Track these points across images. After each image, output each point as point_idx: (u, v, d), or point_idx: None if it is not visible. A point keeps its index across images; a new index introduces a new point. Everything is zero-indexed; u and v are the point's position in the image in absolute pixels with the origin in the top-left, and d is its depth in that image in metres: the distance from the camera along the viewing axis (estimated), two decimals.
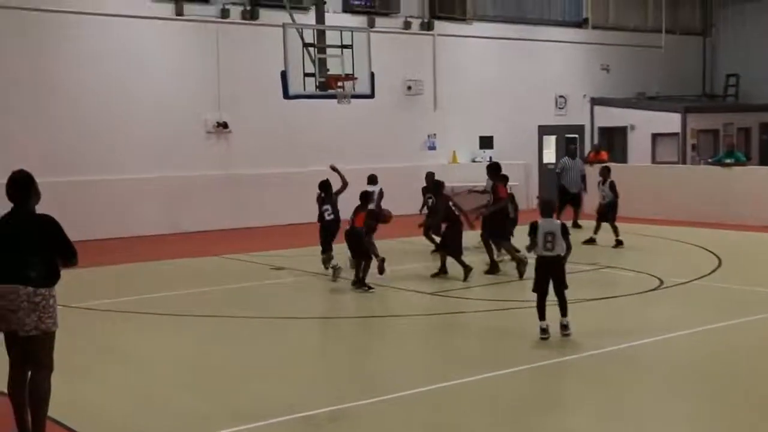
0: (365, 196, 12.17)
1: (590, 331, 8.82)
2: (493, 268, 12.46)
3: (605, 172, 15.63)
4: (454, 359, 8.16)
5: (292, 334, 9.35)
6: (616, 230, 15.11)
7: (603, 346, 8.25)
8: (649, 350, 8.24)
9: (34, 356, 5.88)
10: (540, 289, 8.57)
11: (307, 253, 14.96)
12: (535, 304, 8.61)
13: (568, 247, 8.57)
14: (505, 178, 13.46)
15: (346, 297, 11.28)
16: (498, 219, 12.66)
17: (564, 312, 8.61)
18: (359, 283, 11.38)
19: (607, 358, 7.96)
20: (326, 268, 12.41)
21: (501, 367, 7.63)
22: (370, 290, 11.22)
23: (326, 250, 12.50)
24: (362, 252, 11.51)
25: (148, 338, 9.18)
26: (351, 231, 11.61)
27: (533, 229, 8.56)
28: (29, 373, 5.91)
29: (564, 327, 8.61)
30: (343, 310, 10.74)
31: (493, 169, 13.55)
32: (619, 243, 14.97)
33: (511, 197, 13.37)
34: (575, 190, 18.33)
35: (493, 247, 12.72)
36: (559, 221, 8.70)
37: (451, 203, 12.38)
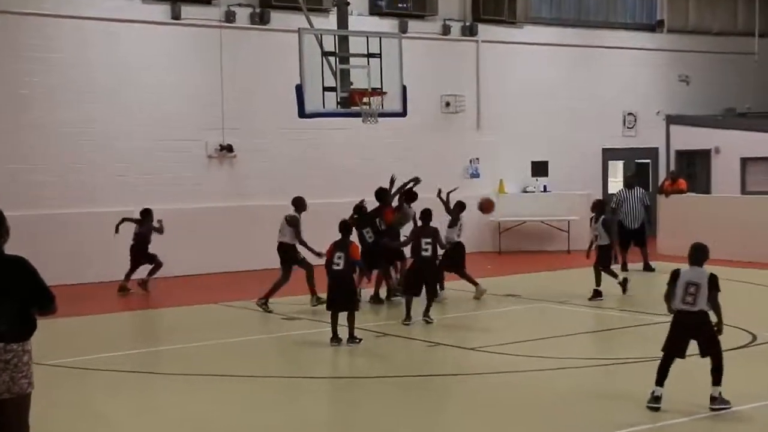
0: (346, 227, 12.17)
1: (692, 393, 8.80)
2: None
3: (599, 207, 15.42)
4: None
5: (303, 398, 9.38)
6: (616, 275, 15.04)
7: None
8: None
9: (6, 423, 5.92)
10: (669, 350, 8.40)
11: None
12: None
13: (713, 304, 8.37)
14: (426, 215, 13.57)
15: (366, 351, 11.33)
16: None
17: (716, 379, 8.32)
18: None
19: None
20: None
21: None
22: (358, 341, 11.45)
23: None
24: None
25: (134, 400, 9.25)
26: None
27: (674, 277, 8.51)
28: None
29: (713, 399, 8.33)
30: (372, 369, 10.77)
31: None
32: (597, 294, 14.60)
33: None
34: (636, 225, 18.41)
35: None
36: (707, 271, 8.51)
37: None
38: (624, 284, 15.12)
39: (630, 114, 25.24)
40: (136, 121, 18.73)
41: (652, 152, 25.69)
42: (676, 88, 25.87)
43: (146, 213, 16.72)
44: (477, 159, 22.81)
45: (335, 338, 11.58)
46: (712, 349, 8.35)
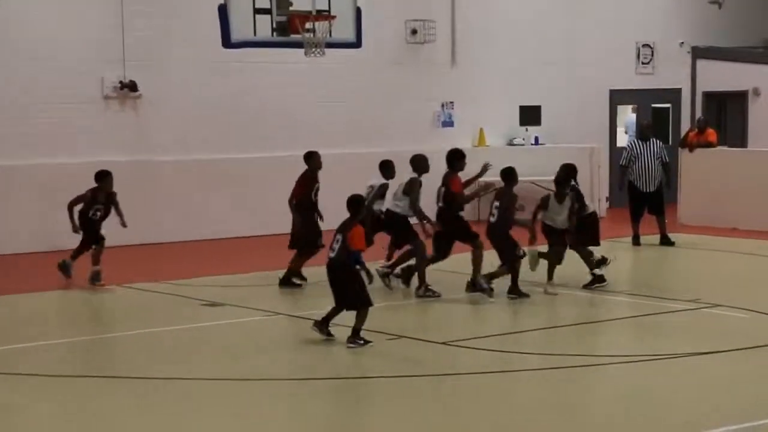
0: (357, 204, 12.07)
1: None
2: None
3: (565, 174, 14.64)
4: None
5: (232, 401, 9.53)
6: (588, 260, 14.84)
7: None
8: None
9: None
10: None
11: (261, 281, 15.15)
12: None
13: None
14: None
15: (329, 348, 11.50)
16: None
17: None
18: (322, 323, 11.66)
19: None
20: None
21: None
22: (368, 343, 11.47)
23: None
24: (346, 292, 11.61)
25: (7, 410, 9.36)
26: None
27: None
28: None
29: None
30: (326, 368, 10.93)
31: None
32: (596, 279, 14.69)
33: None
34: (651, 188, 18.60)
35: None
36: None
37: None
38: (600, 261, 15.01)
39: (645, 46, 25.47)
40: (8, 54, 18.55)
41: (674, 94, 25.97)
42: (705, 12, 26.12)
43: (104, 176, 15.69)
44: (451, 103, 22.93)
45: (323, 325, 11.55)
46: None
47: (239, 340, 12.03)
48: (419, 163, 14.55)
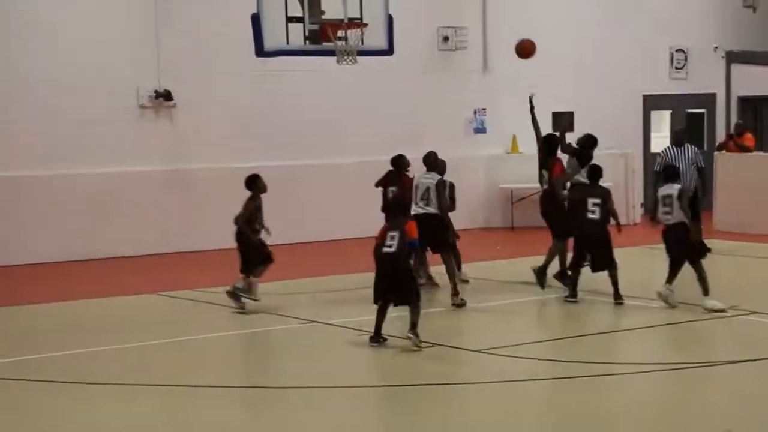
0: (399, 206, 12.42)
1: None
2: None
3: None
4: None
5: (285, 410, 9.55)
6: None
7: None
8: None
9: None
10: None
11: (299, 289, 15.17)
12: None
13: None
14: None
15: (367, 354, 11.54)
16: None
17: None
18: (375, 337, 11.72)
19: None
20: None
21: None
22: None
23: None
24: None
25: (49, 418, 9.42)
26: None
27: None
28: None
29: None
30: (369, 376, 10.96)
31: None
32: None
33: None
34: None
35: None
36: None
37: None
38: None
39: (679, 51, 25.39)
40: (44, 66, 18.69)
41: (709, 99, 25.87)
42: (739, 16, 25.96)
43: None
44: (483, 110, 22.93)
45: (378, 336, 11.70)
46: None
47: (283, 347, 12.10)
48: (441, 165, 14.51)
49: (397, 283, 11.65)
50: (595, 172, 14.23)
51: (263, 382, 10.78)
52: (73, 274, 17.58)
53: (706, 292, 13.09)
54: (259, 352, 12.44)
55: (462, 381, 10.50)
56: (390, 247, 11.61)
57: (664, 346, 12.31)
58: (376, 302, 11.75)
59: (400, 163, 15.45)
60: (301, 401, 9.83)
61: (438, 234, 14.01)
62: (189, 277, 16.65)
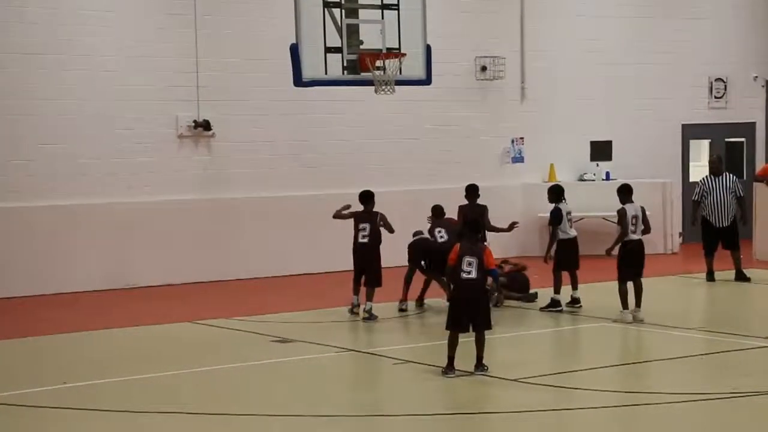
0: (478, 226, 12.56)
1: None
2: None
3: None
4: None
5: None
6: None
7: None
8: None
9: None
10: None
11: (335, 317, 15.15)
12: None
13: None
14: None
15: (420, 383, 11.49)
16: None
17: None
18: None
19: None
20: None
21: None
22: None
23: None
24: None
25: None
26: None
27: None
28: None
29: None
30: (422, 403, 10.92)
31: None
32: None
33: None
34: (725, 223, 18.42)
35: None
36: None
37: None
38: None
39: (718, 80, 25.25)
40: (83, 93, 18.78)
41: (748, 128, 25.68)
42: None
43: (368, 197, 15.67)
44: (521, 139, 22.87)
45: (451, 367, 11.67)
46: None
47: (321, 376, 12.05)
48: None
49: (474, 309, 11.73)
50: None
51: (310, 410, 10.76)
52: (110, 303, 17.61)
53: None
54: (300, 380, 12.40)
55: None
56: (468, 273, 11.65)
57: (707, 375, 12.15)
58: (455, 330, 11.73)
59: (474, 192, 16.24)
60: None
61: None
62: (227, 307, 16.65)
